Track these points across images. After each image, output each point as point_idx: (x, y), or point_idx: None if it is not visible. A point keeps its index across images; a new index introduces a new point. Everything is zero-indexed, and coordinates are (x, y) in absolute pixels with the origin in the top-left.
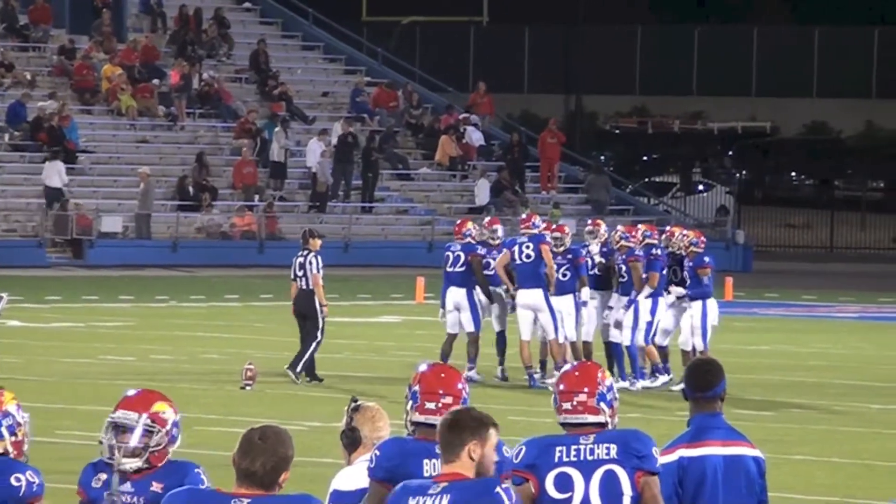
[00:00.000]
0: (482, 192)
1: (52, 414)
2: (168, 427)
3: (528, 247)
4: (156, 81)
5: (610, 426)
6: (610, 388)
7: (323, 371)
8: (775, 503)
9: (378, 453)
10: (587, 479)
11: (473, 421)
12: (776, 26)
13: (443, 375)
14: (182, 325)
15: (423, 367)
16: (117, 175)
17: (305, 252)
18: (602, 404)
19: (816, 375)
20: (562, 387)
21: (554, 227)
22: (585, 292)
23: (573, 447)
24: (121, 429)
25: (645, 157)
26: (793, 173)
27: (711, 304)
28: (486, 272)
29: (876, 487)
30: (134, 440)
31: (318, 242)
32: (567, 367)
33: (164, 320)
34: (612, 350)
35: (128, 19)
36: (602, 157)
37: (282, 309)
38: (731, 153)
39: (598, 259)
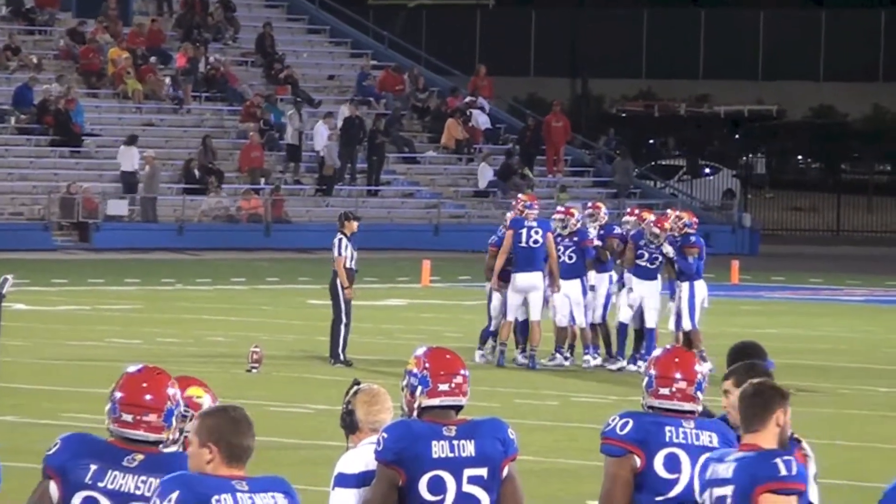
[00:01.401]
0: (484, 175)
1: (58, 396)
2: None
3: (536, 231)
4: (161, 65)
5: (697, 414)
6: (705, 377)
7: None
8: None
9: (385, 436)
10: (693, 463)
11: (777, 389)
12: (782, 9)
13: (448, 357)
14: (188, 307)
15: (422, 351)
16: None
17: (340, 236)
18: (699, 393)
19: (823, 358)
20: (660, 371)
21: (561, 209)
22: (592, 276)
23: (680, 429)
24: None
25: (651, 141)
26: (799, 157)
27: (700, 284)
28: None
29: (883, 470)
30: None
31: (354, 224)
32: (659, 351)
33: (170, 303)
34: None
35: (134, 3)
36: (610, 141)
37: (289, 292)
38: (737, 136)
39: (596, 242)
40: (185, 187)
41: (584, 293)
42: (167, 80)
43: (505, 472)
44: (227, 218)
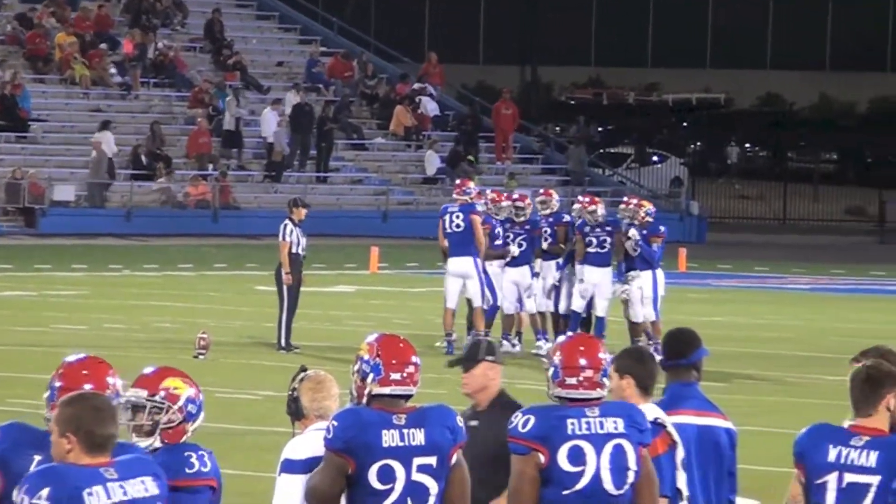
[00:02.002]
0: (431, 163)
1: (4, 382)
2: (181, 404)
3: (458, 216)
4: (109, 50)
5: (603, 399)
6: (609, 363)
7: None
8: None
9: (335, 424)
10: (598, 453)
11: (887, 373)
12: None
13: (401, 345)
14: (135, 293)
15: (375, 338)
16: (70, 144)
17: (286, 221)
18: (604, 379)
19: (769, 347)
20: (565, 361)
21: (515, 196)
22: (538, 263)
23: (583, 420)
24: (134, 408)
25: (600, 129)
26: (747, 145)
27: (660, 273)
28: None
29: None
30: (138, 418)
31: (303, 212)
32: (564, 339)
33: (117, 289)
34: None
35: None
36: (557, 129)
37: (236, 278)
38: (685, 125)
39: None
40: (133, 173)
41: (533, 278)
42: (112, 66)
43: (453, 460)
44: (175, 204)
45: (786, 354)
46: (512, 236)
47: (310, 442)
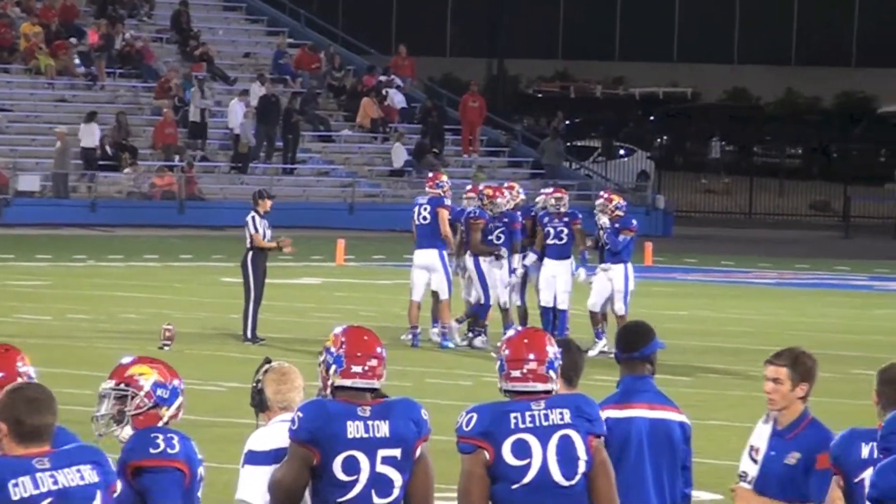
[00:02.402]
0: (398, 155)
1: None
2: (147, 389)
3: (425, 209)
4: (74, 41)
5: (554, 392)
6: (557, 356)
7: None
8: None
9: (301, 415)
10: (544, 445)
11: None
12: None
13: (366, 338)
14: (100, 284)
15: (341, 330)
16: (35, 134)
17: (253, 214)
18: (550, 372)
19: (734, 341)
20: (510, 354)
21: (481, 188)
22: (517, 258)
23: (527, 413)
24: (100, 398)
25: (567, 122)
26: (713, 139)
27: (630, 267)
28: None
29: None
30: (104, 408)
31: (268, 203)
32: (512, 332)
33: (81, 279)
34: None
35: None
36: (524, 122)
37: (202, 269)
38: (652, 118)
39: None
40: (99, 163)
41: (511, 273)
42: (78, 56)
43: (418, 453)
44: (141, 195)
45: (750, 348)
46: (490, 229)
47: (274, 434)
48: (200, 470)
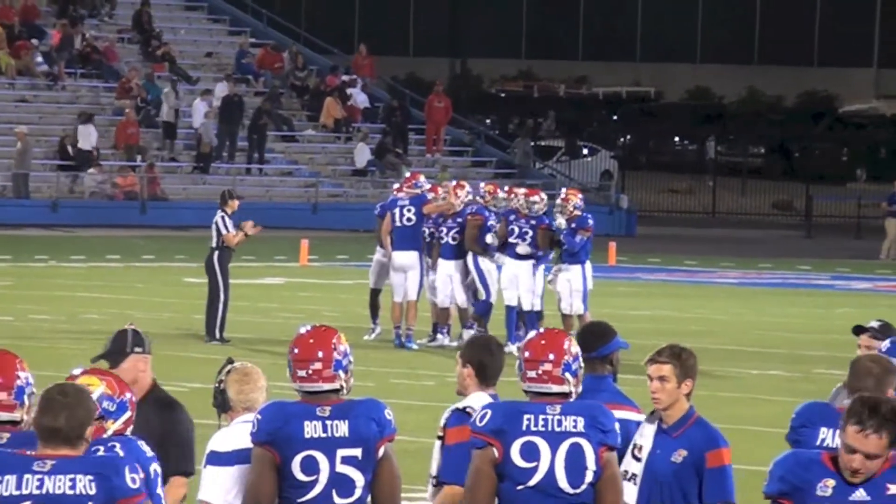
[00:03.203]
0: (361, 155)
1: None
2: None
3: (409, 209)
4: (35, 41)
5: (573, 396)
6: (576, 358)
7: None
8: None
9: (259, 417)
10: (554, 451)
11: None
12: None
13: (311, 342)
14: (62, 285)
15: (297, 333)
16: None
17: (221, 214)
18: (567, 374)
19: (696, 340)
20: (528, 354)
21: (482, 186)
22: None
23: (541, 416)
24: None
25: (531, 121)
26: (676, 138)
27: (588, 267)
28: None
29: (752, 452)
30: None
31: (236, 203)
32: (533, 333)
33: (42, 280)
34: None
35: None
36: (487, 121)
37: (164, 270)
38: (615, 118)
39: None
40: (60, 164)
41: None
42: (39, 56)
43: (381, 453)
44: (103, 195)
45: (713, 348)
46: (445, 230)
47: (236, 434)
48: (154, 467)
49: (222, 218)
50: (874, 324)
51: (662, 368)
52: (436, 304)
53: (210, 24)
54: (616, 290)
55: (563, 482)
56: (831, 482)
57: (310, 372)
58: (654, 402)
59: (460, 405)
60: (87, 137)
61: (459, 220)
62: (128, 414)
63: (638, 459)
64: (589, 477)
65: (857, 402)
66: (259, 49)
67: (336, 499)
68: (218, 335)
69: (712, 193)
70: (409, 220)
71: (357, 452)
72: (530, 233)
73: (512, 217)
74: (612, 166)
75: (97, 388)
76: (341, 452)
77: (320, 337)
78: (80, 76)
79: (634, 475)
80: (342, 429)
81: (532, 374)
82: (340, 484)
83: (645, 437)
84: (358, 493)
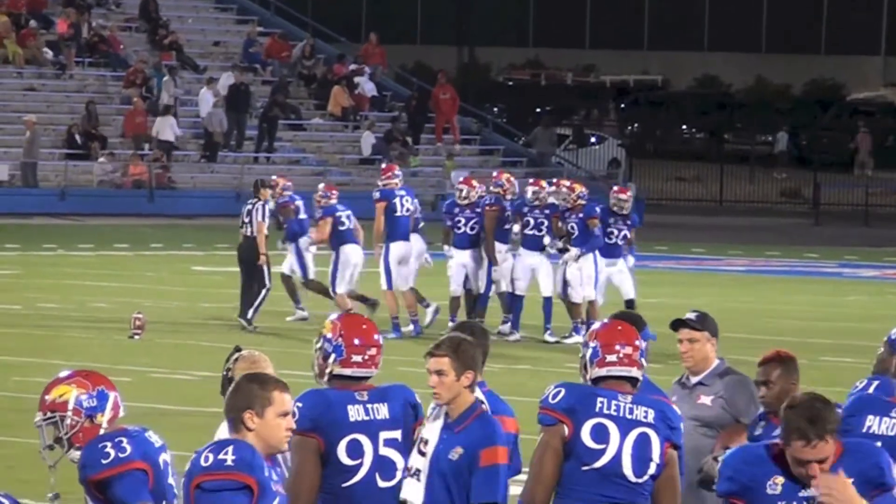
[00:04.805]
0: (367, 143)
1: None
2: (72, 406)
3: (408, 200)
4: (42, 29)
5: (640, 381)
6: (644, 345)
7: (216, 321)
8: None
9: (300, 405)
10: (623, 436)
11: None
12: None
13: (365, 327)
14: (70, 273)
15: (338, 318)
16: (4, 123)
17: (255, 201)
18: (643, 359)
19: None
20: (605, 340)
21: (461, 180)
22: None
23: (613, 401)
24: (40, 430)
25: (538, 109)
26: (683, 127)
27: (598, 255)
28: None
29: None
30: (45, 440)
31: (268, 192)
32: (598, 324)
33: (51, 268)
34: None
35: None
36: (495, 109)
37: (172, 258)
38: (623, 106)
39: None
40: (68, 152)
41: (481, 262)
42: (46, 45)
43: (415, 436)
44: (111, 184)
45: (721, 336)
46: (463, 220)
47: None
48: (164, 456)
49: (256, 208)
50: (691, 315)
51: (440, 362)
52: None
53: (217, 12)
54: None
55: (627, 469)
56: (780, 479)
57: (366, 357)
58: (435, 398)
59: None
60: (167, 129)
61: (478, 209)
62: (111, 399)
63: (423, 454)
64: (652, 469)
65: (793, 418)
66: (267, 38)
67: (380, 482)
68: (250, 317)
69: (720, 181)
70: (408, 210)
71: (397, 434)
72: (546, 223)
73: (525, 209)
74: (619, 154)
75: (69, 393)
76: (384, 435)
77: (370, 324)
78: (88, 65)
79: (419, 471)
80: (383, 411)
81: (612, 357)
82: (383, 467)
83: (431, 431)
84: (398, 476)
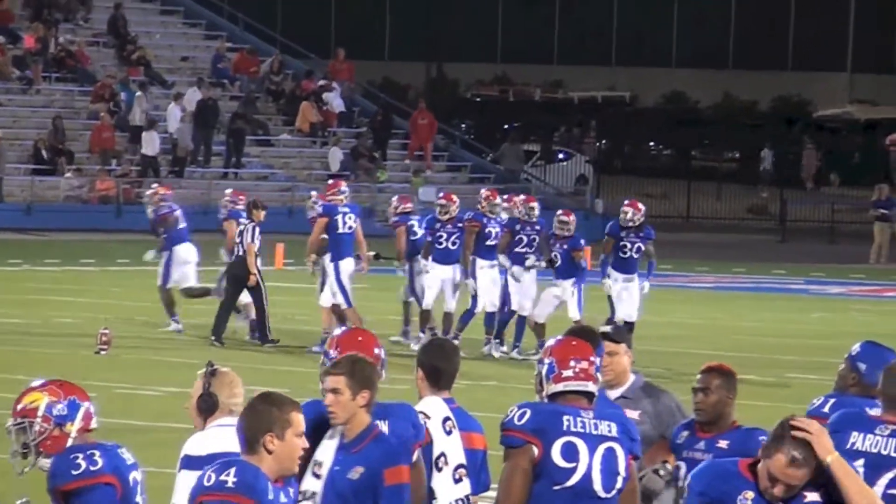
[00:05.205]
0: (335, 159)
1: None
2: (42, 413)
3: (350, 217)
4: (8, 44)
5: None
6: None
7: (182, 337)
8: None
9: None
10: (591, 453)
11: None
12: None
13: (360, 339)
14: (36, 288)
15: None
16: None
17: (247, 222)
18: (598, 374)
19: (671, 345)
20: (561, 356)
21: (442, 195)
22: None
23: (578, 418)
24: (10, 435)
25: (506, 126)
26: (651, 143)
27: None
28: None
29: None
30: (13, 445)
31: (262, 214)
32: (551, 340)
33: (16, 283)
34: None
35: None
36: (463, 125)
37: (139, 274)
38: (591, 122)
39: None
40: (34, 167)
41: (465, 278)
42: (13, 60)
43: (414, 457)
44: (77, 199)
45: (687, 352)
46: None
47: (211, 438)
48: (134, 475)
49: (254, 227)
50: (608, 328)
51: (336, 380)
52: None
53: (186, 28)
54: (591, 294)
55: (598, 485)
56: (750, 494)
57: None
58: (331, 417)
59: (416, 408)
60: (151, 143)
61: (459, 224)
62: (83, 410)
63: (317, 476)
64: (619, 483)
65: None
66: (235, 53)
67: None
68: (262, 335)
69: (687, 198)
70: (350, 227)
71: None
72: (537, 239)
73: (517, 226)
74: (587, 171)
75: (40, 400)
76: None
77: (373, 338)
78: (55, 80)
79: (314, 493)
80: (383, 427)
81: (568, 373)
82: None
83: (325, 453)
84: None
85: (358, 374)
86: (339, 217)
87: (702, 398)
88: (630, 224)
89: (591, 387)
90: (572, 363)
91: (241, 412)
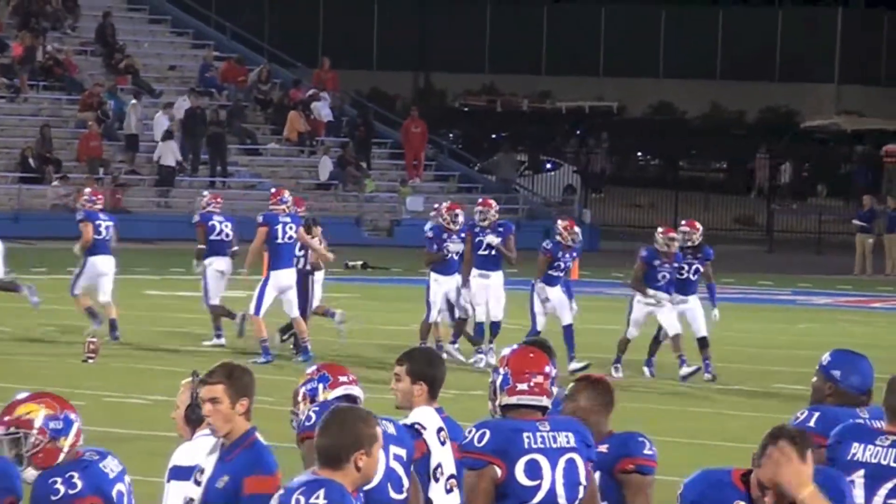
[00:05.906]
0: (324, 168)
1: None
2: (38, 425)
3: (290, 227)
4: None
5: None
6: (553, 371)
7: (169, 345)
8: None
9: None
10: (553, 467)
11: None
12: (623, 6)
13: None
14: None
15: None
16: None
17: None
18: (552, 388)
19: (659, 355)
20: (516, 367)
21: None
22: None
23: (537, 434)
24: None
25: (494, 136)
26: (639, 153)
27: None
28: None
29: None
30: (6, 454)
31: (318, 230)
32: (507, 350)
33: (3, 292)
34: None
35: None
36: (451, 135)
37: (126, 282)
38: (578, 133)
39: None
40: (21, 176)
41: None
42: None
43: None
44: (64, 207)
45: (675, 362)
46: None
47: (199, 448)
48: (119, 487)
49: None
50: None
51: (213, 389)
52: None
53: (174, 37)
54: (579, 304)
55: (562, 499)
56: None
57: (350, 378)
58: (210, 428)
59: (408, 421)
60: (169, 153)
61: (462, 235)
62: (76, 426)
63: (199, 483)
64: (581, 492)
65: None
66: (223, 62)
67: (392, 493)
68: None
69: (674, 208)
70: (290, 237)
71: (403, 452)
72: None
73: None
74: (574, 181)
75: (39, 412)
76: (393, 449)
77: (343, 368)
78: (43, 88)
79: (192, 500)
80: (390, 428)
81: (523, 386)
82: (393, 479)
83: (210, 460)
84: (405, 493)
85: (236, 381)
86: (280, 227)
87: (571, 406)
88: (689, 244)
89: (545, 401)
90: (527, 375)
91: (322, 427)
